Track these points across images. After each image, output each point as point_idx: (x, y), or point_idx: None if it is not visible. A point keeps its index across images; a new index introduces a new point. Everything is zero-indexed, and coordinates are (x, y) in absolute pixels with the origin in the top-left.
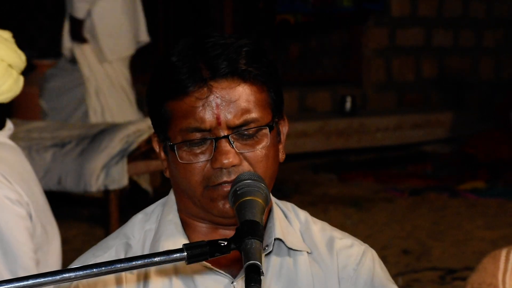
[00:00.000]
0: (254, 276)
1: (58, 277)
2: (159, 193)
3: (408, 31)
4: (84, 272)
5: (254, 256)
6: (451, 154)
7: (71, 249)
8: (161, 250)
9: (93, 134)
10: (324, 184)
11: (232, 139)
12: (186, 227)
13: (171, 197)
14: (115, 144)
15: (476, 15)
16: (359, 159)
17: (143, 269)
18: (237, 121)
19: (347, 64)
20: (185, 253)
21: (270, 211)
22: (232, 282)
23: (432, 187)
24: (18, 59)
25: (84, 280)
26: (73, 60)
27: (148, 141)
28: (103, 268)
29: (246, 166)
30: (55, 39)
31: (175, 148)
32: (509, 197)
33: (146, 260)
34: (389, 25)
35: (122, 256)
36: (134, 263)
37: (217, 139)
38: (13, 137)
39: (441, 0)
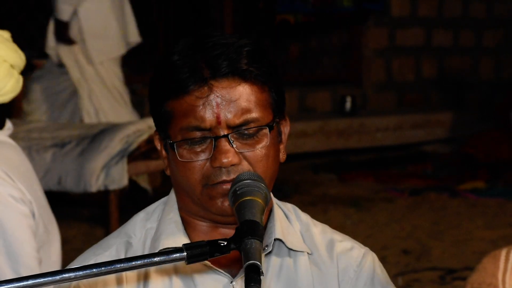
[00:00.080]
0: (254, 276)
1: (58, 277)
2: (159, 193)
3: (408, 31)
4: (84, 272)
5: (253, 256)
6: (451, 154)
7: (71, 249)
8: (161, 248)
9: (93, 134)
10: (324, 184)
11: (232, 139)
12: (187, 225)
13: (172, 196)
14: (115, 144)
15: (476, 15)
16: (359, 159)
17: (143, 268)
18: (237, 121)
19: (347, 64)
20: (185, 253)
21: (270, 211)
22: (231, 282)
23: (432, 187)
24: (19, 59)
25: (85, 280)
26: (60, 64)
27: (148, 141)
28: (103, 268)
29: (245, 166)
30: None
31: (175, 146)
32: (509, 197)
33: (146, 260)
34: (389, 25)
35: (123, 255)
36: (134, 263)
37: (217, 138)
38: (13, 137)
39: (441, 0)
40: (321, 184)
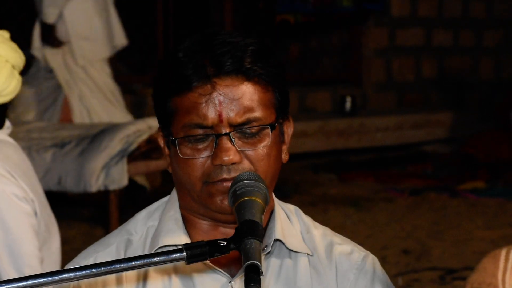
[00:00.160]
0: (253, 276)
1: (58, 277)
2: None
3: (408, 31)
4: (84, 272)
5: (253, 256)
6: (451, 154)
7: (71, 249)
8: (160, 245)
9: (93, 134)
10: (324, 184)
11: (234, 137)
12: (187, 223)
13: (173, 194)
14: (115, 144)
15: (476, 15)
16: (359, 159)
17: None
18: (239, 119)
19: (347, 64)
20: (185, 253)
21: (272, 212)
22: (230, 282)
23: (432, 187)
24: (20, 59)
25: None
26: (47, 68)
27: (148, 141)
28: (102, 269)
29: (246, 165)
30: None
31: (177, 143)
32: (509, 197)
33: (145, 260)
34: (389, 25)
35: (122, 252)
36: (133, 263)
37: (218, 136)
38: (13, 137)
39: (441, 0)
40: (321, 184)
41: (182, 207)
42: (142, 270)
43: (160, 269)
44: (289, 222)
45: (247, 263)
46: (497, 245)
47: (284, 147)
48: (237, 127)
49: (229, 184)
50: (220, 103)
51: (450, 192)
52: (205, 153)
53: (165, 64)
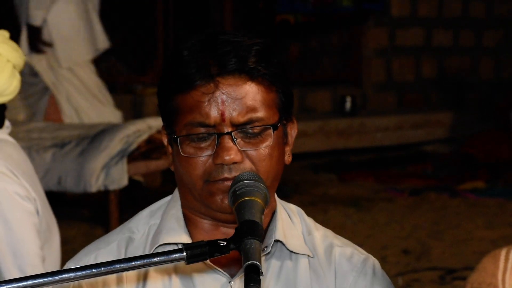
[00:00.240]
0: (253, 276)
1: (57, 277)
2: (159, 193)
3: (408, 31)
4: (84, 272)
5: (253, 256)
6: (451, 154)
7: (71, 249)
8: (161, 243)
9: (93, 134)
10: (324, 184)
11: (235, 136)
12: (189, 222)
13: (176, 192)
14: (115, 144)
15: (476, 15)
16: (359, 159)
17: None
18: (242, 119)
19: (347, 64)
20: (184, 253)
21: (273, 212)
22: (229, 282)
23: (432, 187)
24: (20, 58)
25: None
26: (32, 73)
27: (148, 141)
28: (102, 269)
29: (247, 164)
30: None
31: (179, 141)
32: (509, 197)
33: (145, 261)
34: (389, 25)
35: (123, 250)
36: (133, 263)
37: (220, 135)
38: (13, 137)
39: (441, 0)
40: (321, 184)
41: (184, 206)
42: (143, 269)
43: (160, 268)
44: (291, 223)
45: (247, 263)
46: (497, 245)
47: (287, 149)
48: (239, 127)
49: (230, 183)
50: (222, 102)
51: (450, 192)
52: (207, 152)
53: (169, 62)
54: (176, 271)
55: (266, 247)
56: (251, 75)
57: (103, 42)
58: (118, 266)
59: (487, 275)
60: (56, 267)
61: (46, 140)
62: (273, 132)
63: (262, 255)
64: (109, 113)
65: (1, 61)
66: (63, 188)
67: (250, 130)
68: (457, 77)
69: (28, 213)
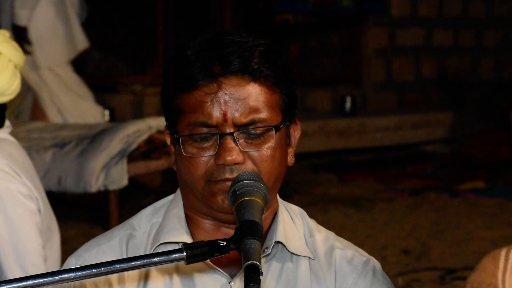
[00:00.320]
0: (253, 276)
1: (57, 277)
2: (159, 193)
3: (408, 31)
4: (84, 272)
5: (253, 256)
6: (451, 154)
7: (71, 249)
8: (162, 241)
9: (93, 134)
10: (324, 184)
11: (238, 137)
12: (190, 222)
13: (178, 192)
14: (115, 144)
15: (476, 15)
16: (359, 159)
17: None
18: (244, 120)
19: (347, 64)
20: (184, 254)
21: (275, 213)
22: (229, 282)
23: (432, 187)
24: (20, 58)
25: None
26: None
27: (148, 141)
28: (102, 269)
29: (249, 165)
30: None
31: (181, 141)
32: (509, 197)
33: (145, 261)
34: (389, 25)
35: (125, 246)
36: (133, 263)
37: (222, 135)
38: (13, 137)
39: (441, 0)
40: (321, 184)
41: (185, 206)
42: (143, 269)
43: (161, 268)
44: (293, 225)
45: (247, 263)
46: (497, 245)
47: (290, 150)
48: (242, 127)
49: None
50: (225, 102)
51: (450, 192)
52: (209, 152)
53: (173, 61)
54: (177, 270)
55: (267, 248)
56: (254, 76)
57: (82, 43)
58: (118, 266)
59: (487, 275)
60: (56, 267)
61: (46, 140)
62: (276, 133)
63: (262, 256)
64: (90, 108)
65: (2, 61)
66: (63, 188)
67: (252, 131)
68: (457, 77)
69: (31, 212)
